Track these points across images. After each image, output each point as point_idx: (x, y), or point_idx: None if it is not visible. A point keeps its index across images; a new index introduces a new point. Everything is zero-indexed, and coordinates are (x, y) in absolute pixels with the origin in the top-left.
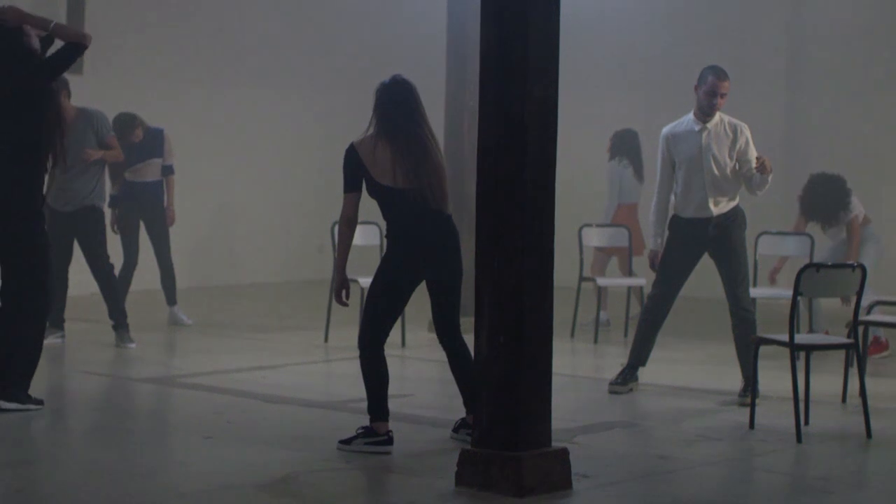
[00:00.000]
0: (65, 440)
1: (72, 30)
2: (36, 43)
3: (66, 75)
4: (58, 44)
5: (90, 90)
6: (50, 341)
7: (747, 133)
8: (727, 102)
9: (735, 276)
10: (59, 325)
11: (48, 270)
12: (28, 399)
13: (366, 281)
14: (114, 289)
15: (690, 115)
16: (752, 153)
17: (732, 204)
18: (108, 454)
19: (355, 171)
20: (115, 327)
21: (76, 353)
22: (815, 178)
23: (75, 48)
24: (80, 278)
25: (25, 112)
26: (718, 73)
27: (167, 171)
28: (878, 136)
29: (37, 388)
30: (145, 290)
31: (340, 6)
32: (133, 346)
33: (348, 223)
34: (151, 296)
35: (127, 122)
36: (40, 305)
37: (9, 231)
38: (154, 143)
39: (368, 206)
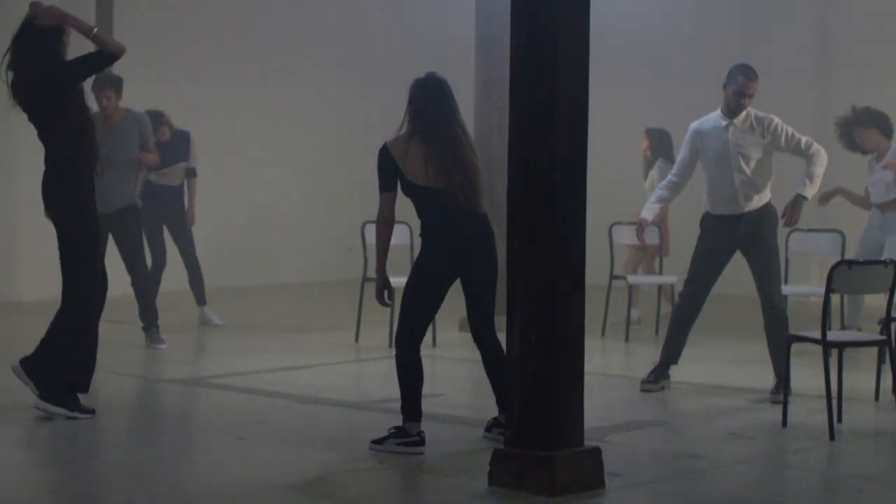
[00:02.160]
0: (97, 441)
1: (112, 40)
2: (64, 46)
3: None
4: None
5: None
6: None
7: (776, 122)
8: (756, 96)
9: (767, 274)
10: None
11: (80, 271)
12: (53, 402)
13: (397, 281)
14: (148, 289)
15: (718, 112)
16: (788, 134)
17: (764, 200)
18: (141, 455)
19: (389, 170)
20: (145, 328)
21: (107, 354)
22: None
23: (108, 58)
24: (109, 280)
25: (49, 113)
26: (748, 74)
27: (190, 173)
28: None
29: None
30: (174, 291)
31: (371, 5)
32: (164, 346)
33: (386, 223)
34: (181, 297)
35: (153, 120)
36: (66, 306)
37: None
38: (181, 146)
39: (398, 205)
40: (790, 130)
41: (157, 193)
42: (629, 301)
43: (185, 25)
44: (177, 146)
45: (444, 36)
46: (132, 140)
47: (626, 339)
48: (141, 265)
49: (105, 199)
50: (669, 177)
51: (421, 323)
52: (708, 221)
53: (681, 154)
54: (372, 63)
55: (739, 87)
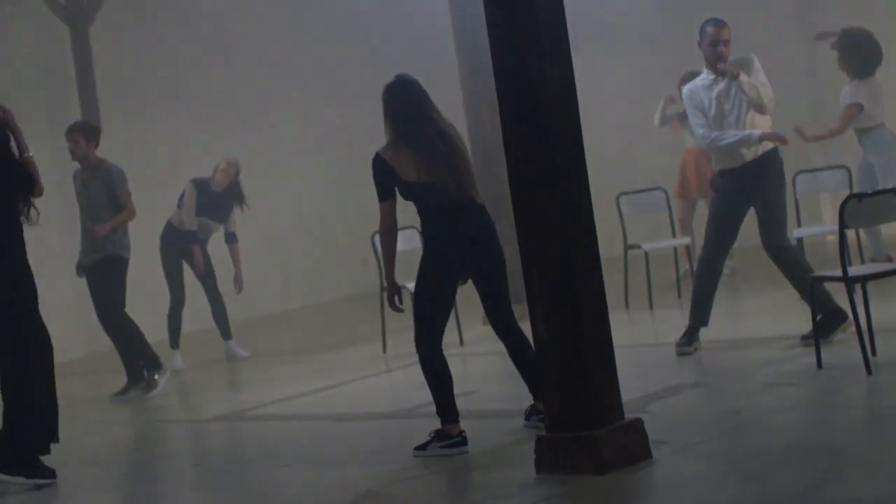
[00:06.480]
0: (145, 490)
1: (37, 171)
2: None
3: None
4: None
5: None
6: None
7: (756, 64)
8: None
9: (769, 217)
10: (140, 376)
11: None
12: (30, 472)
13: (412, 285)
14: (125, 343)
15: (704, 71)
16: (760, 80)
17: (766, 147)
18: (190, 497)
19: (386, 177)
20: (129, 384)
21: (138, 401)
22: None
23: (27, 179)
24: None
25: None
26: (717, 22)
27: (231, 238)
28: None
29: (104, 442)
30: (199, 329)
31: (347, 14)
32: (120, 399)
33: (389, 232)
34: (207, 334)
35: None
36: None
37: None
38: (227, 206)
39: (406, 210)
40: (762, 75)
41: (178, 236)
42: (675, 261)
43: (174, 54)
44: (227, 204)
45: (424, 35)
46: (101, 192)
47: (651, 307)
48: (114, 318)
49: (83, 251)
50: (703, 131)
51: (437, 322)
52: (717, 180)
53: (695, 114)
54: (362, 73)
55: (712, 37)
